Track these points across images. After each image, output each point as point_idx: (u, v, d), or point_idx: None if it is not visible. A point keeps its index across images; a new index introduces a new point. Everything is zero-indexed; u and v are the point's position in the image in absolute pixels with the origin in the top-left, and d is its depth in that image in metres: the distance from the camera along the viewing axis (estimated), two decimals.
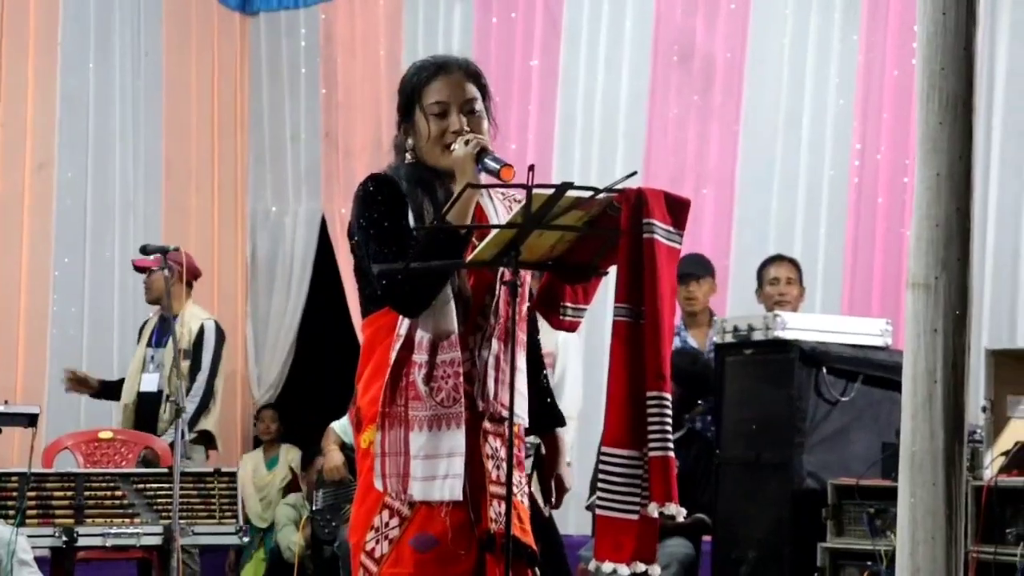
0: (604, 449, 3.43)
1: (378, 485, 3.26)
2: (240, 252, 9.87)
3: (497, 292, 3.36)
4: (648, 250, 3.37)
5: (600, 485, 3.43)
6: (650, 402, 3.38)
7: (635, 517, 3.39)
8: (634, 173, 3.49)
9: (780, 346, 6.15)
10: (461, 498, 3.23)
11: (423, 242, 3.19)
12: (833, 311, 7.41)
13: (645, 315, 3.38)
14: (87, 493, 6.45)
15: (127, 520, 6.42)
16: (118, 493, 6.49)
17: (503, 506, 3.26)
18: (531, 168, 3.17)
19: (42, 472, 6.59)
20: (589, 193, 3.29)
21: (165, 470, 6.59)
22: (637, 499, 3.39)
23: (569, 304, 3.53)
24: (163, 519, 6.39)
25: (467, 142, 3.27)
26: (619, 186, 3.37)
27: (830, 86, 7.80)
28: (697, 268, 7.04)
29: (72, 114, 8.86)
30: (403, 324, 3.27)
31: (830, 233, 7.75)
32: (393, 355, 3.26)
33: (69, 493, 6.44)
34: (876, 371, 6.16)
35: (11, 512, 6.27)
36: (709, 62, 8.20)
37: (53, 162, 8.75)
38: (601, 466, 3.43)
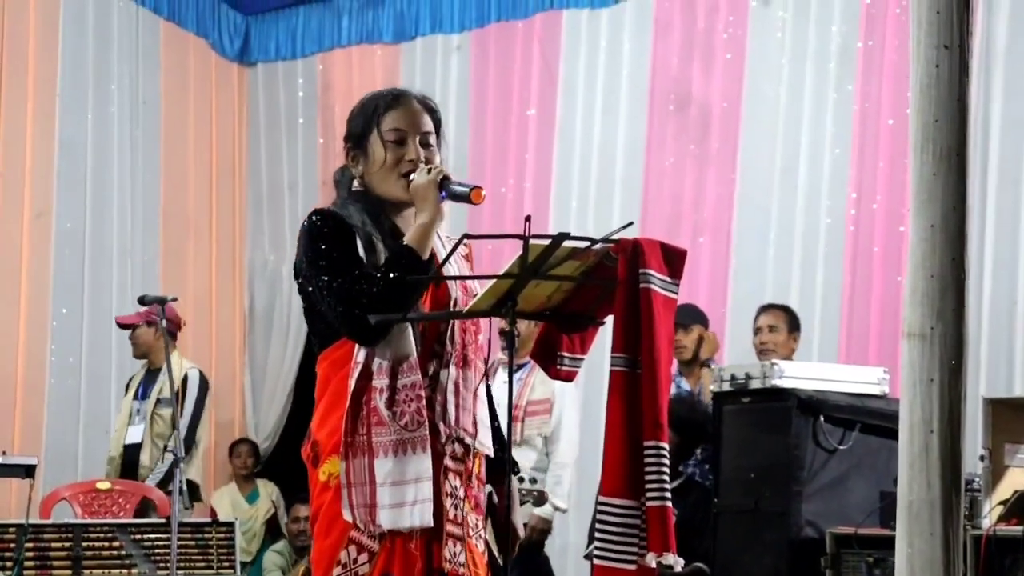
0: (602, 499, 3.43)
1: (347, 516, 3.19)
2: (238, 301, 9.89)
3: (453, 320, 3.33)
4: (645, 300, 3.38)
5: (598, 534, 3.43)
6: (647, 452, 3.38)
7: (633, 567, 3.39)
8: (630, 223, 3.50)
9: (778, 394, 6.14)
10: (432, 524, 3.18)
11: (388, 267, 3.16)
12: (830, 359, 7.40)
13: (642, 365, 3.38)
14: (85, 544, 6.44)
15: (125, 571, 6.42)
16: (116, 544, 6.48)
17: (457, 546, 3.23)
18: (528, 218, 3.18)
19: (40, 523, 6.59)
20: (586, 244, 3.30)
21: (163, 520, 6.58)
22: (635, 549, 3.38)
23: (566, 354, 3.54)
24: (161, 570, 6.38)
25: (429, 170, 3.25)
26: (616, 236, 3.38)
27: (826, 135, 7.83)
28: (684, 317, 7.05)
29: (70, 162, 8.89)
30: (359, 352, 3.21)
31: (827, 281, 7.76)
32: (352, 383, 3.20)
33: (67, 544, 6.44)
34: (874, 419, 6.16)
35: (9, 564, 6.26)
36: (705, 111, 8.24)
37: (51, 211, 8.78)
38: (599, 515, 3.43)
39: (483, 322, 3.44)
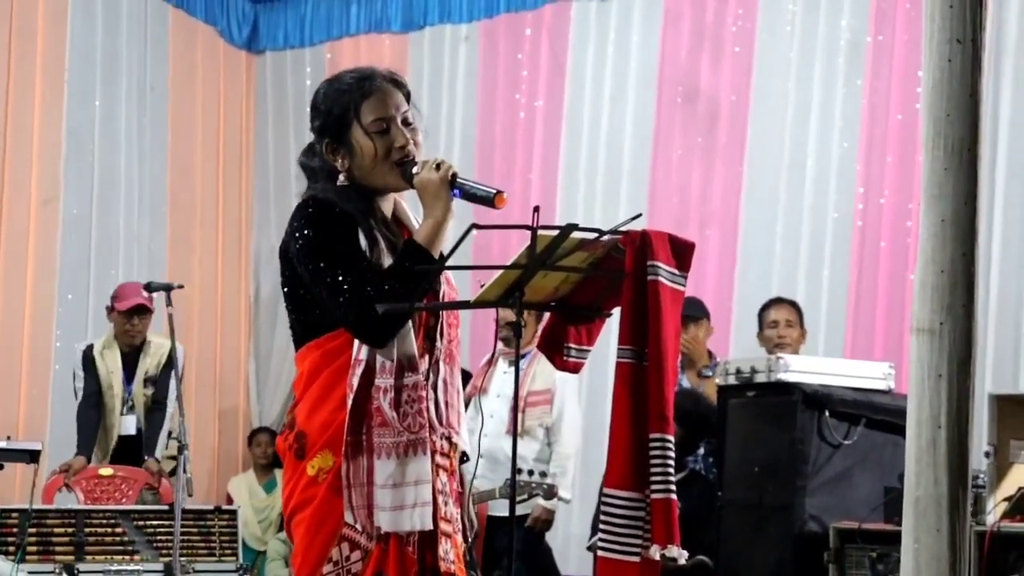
0: (606, 490, 3.42)
1: (348, 518, 3.13)
2: (244, 289, 9.90)
3: (441, 314, 3.28)
4: (652, 292, 3.37)
5: (602, 526, 3.42)
6: (652, 444, 3.37)
7: (636, 559, 3.38)
8: (639, 215, 3.49)
9: (783, 389, 6.14)
10: (432, 527, 3.15)
11: (399, 271, 3.09)
12: (836, 354, 7.40)
13: (648, 357, 3.38)
14: (88, 530, 6.45)
15: (127, 557, 6.43)
16: (118, 530, 6.49)
17: (447, 543, 3.20)
18: (536, 209, 3.17)
19: (43, 508, 6.60)
20: (594, 235, 3.29)
21: (166, 507, 6.58)
22: (639, 541, 3.38)
23: (573, 345, 3.53)
24: (163, 556, 6.39)
25: (437, 166, 3.16)
26: (624, 228, 3.37)
27: (834, 129, 7.82)
28: (695, 310, 7.05)
29: (77, 149, 8.88)
30: (362, 350, 3.13)
31: (833, 276, 7.76)
32: (355, 381, 3.12)
33: (70, 530, 6.45)
34: (879, 415, 6.15)
35: (12, 548, 6.27)
36: (713, 104, 8.23)
37: (58, 197, 8.77)
38: (603, 507, 3.43)
39: (459, 314, 3.40)
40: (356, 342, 3.13)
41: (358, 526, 3.13)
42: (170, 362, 7.31)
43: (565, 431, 7.05)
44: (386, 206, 3.29)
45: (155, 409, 7.47)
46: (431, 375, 3.23)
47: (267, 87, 9.96)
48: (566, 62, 8.76)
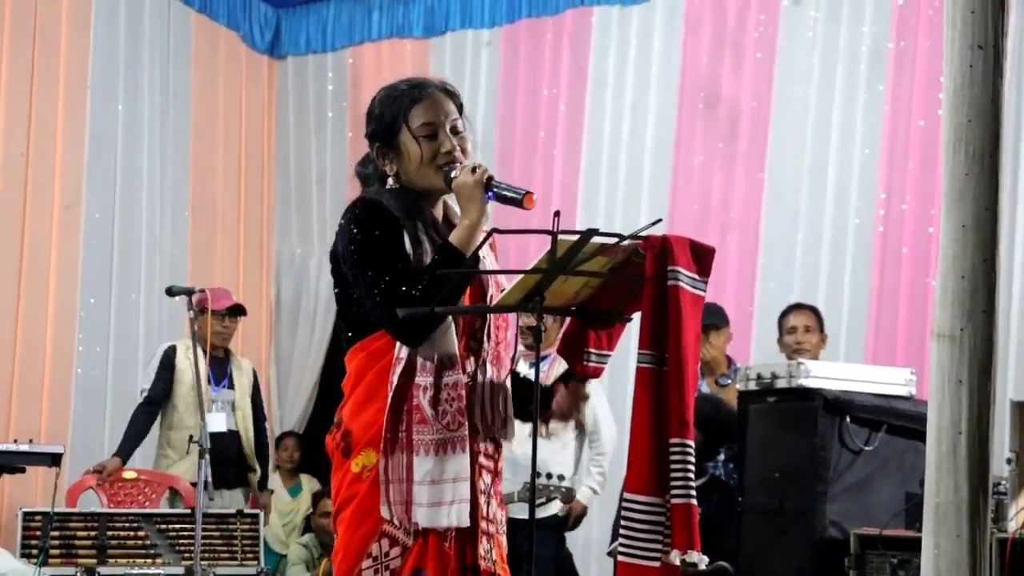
0: (627, 495, 3.42)
1: (384, 513, 3.19)
2: (265, 294, 9.92)
3: (488, 316, 3.33)
4: (672, 297, 3.37)
5: (622, 531, 3.43)
6: (673, 449, 3.37)
7: (657, 564, 3.38)
8: (659, 220, 3.50)
9: (804, 394, 6.13)
10: (468, 523, 3.19)
11: (433, 272, 3.14)
12: (857, 360, 7.39)
13: (669, 362, 3.38)
14: (110, 533, 6.48)
15: (149, 560, 6.45)
16: (141, 533, 6.51)
17: (490, 543, 3.25)
18: (556, 214, 3.18)
19: (66, 512, 6.62)
20: (614, 240, 3.30)
21: (188, 511, 6.60)
22: (659, 546, 3.38)
23: (593, 350, 3.53)
24: (185, 560, 6.40)
25: (473, 169, 3.24)
26: (644, 233, 3.37)
27: (856, 135, 7.81)
28: (716, 319, 7.05)
29: (100, 155, 8.91)
30: (403, 348, 3.21)
31: (855, 282, 7.75)
32: (394, 379, 3.19)
33: (92, 533, 6.47)
34: (900, 421, 6.14)
35: (35, 551, 6.29)
36: (735, 109, 8.22)
37: (81, 202, 8.80)
38: (623, 512, 3.43)
39: (511, 318, 3.44)
40: (397, 342, 3.19)
41: (395, 521, 3.18)
42: (256, 383, 7.79)
43: (603, 431, 7.12)
44: (436, 209, 3.36)
45: (259, 432, 7.67)
46: (478, 375, 3.26)
47: (289, 92, 9.98)
48: (587, 68, 8.76)
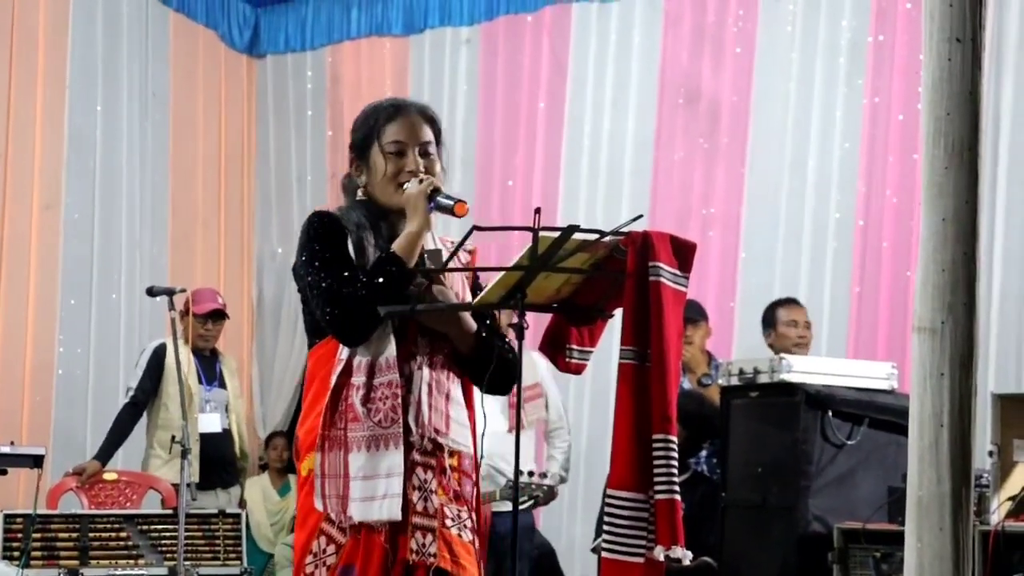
0: (610, 491, 3.43)
1: (318, 505, 3.31)
2: (246, 293, 9.90)
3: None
4: (654, 293, 3.38)
5: (606, 527, 3.43)
6: (656, 445, 3.38)
7: (641, 560, 3.39)
8: (640, 216, 3.51)
9: (786, 389, 6.14)
10: (400, 518, 3.28)
11: (371, 275, 3.25)
12: (838, 354, 7.40)
13: (651, 358, 3.38)
14: (92, 534, 6.45)
15: (132, 561, 6.42)
16: (123, 534, 6.49)
17: (427, 538, 3.30)
18: (537, 211, 3.18)
19: (47, 513, 6.60)
20: (595, 236, 3.30)
21: (170, 511, 6.58)
22: (643, 542, 3.39)
23: (575, 347, 3.54)
24: (168, 561, 6.38)
25: (420, 181, 3.34)
26: (625, 229, 3.38)
27: (836, 129, 7.82)
28: (693, 312, 7.05)
29: (79, 154, 8.88)
30: (343, 350, 3.33)
31: (836, 276, 7.76)
32: (333, 379, 3.31)
33: (74, 534, 6.45)
34: (882, 415, 6.15)
35: (16, 553, 6.27)
36: (715, 105, 8.23)
37: (60, 202, 8.78)
38: (607, 508, 3.43)
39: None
40: (339, 344, 3.31)
41: (332, 515, 3.30)
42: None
43: (554, 415, 7.13)
44: (398, 226, 3.41)
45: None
46: (415, 377, 3.35)
47: (268, 91, 9.96)
48: (567, 64, 8.76)
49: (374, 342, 3.29)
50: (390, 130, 3.43)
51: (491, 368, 3.38)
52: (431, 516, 3.33)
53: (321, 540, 3.32)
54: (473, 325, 3.39)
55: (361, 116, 3.52)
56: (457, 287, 3.43)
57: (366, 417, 3.28)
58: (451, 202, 3.31)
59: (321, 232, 3.34)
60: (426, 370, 3.36)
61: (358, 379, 3.30)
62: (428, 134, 3.46)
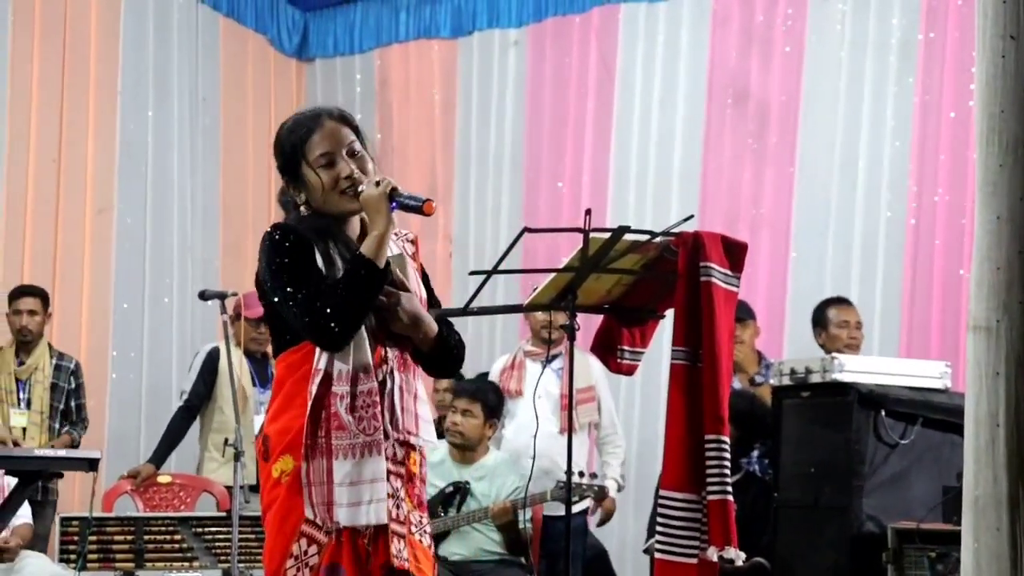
0: (663, 492, 3.43)
1: (308, 513, 3.32)
2: None
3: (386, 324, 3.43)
4: (705, 293, 3.38)
5: (659, 528, 3.43)
6: (708, 445, 3.38)
7: (694, 560, 3.39)
8: (691, 217, 3.51)
9: (838, 389, 6.11)
10: (387, 521, 3.32)
11: (346, 280, 3.28)
12: (890, 354, 7.36)
13: (703, 358, 3.38)
14: (147, 537, 6.50)
15: (186, 564, 6.46)
16: (177, 537, 6.53)
17: (400, 543, 3.35)
18: (587, 212, 3.19)
19: (103, 516, 6.64)
20: (646, 237, 3.30)
21: (224, 514, 6.61)
22: (696, 542, 3.39)
23: (627, 347, 3.54)
24: (221, 563, 6.41)
25: (377, 183, 3.36)
26: (676, 229, 3.38)
27: (886, 128, 7.78)
28: (741, 312, 7.03)
29: (131, 159, 8.96)
30: (321, 359, 3.34)
31: (887, 275, 7.72)
32: (313, 389, 3.33)
33: (129, 537, 6.49)
34: (936, 414, 6.11)
35: (73, 556, 6.32)
36: (764, 105, 8.20)
37: (113, 207, 8.85)
38: (660, 509, 3.43)
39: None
40: (316, 353, 3.34)
41: (318, 521, 3.33)
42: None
43: (607, 420, 7.10)
44: (351, 228, 3.48)
45: None
46: (387, 382, 3.38)
47: (317, 95, 9.99)
48: (615, 65, 8.75)
49: (352, 350, 3.33)
50: (313, 144, 3.45)
51: (446, 360, 3.45)
52: (402, 523, 3.39)
53: (302, 542, 3.33)
54: (435, 326, 3.42)
55: (277, 143, 3.55)
56: (414, 286, 3.46)
57: (352, 425, 3.32)
58: (418, 202, 3.34)
59: (287, 245, 3.35)
60: (396, 374, 3.41)
61: (341, 388, 3.33)
62: (349, 134, 3.49)
